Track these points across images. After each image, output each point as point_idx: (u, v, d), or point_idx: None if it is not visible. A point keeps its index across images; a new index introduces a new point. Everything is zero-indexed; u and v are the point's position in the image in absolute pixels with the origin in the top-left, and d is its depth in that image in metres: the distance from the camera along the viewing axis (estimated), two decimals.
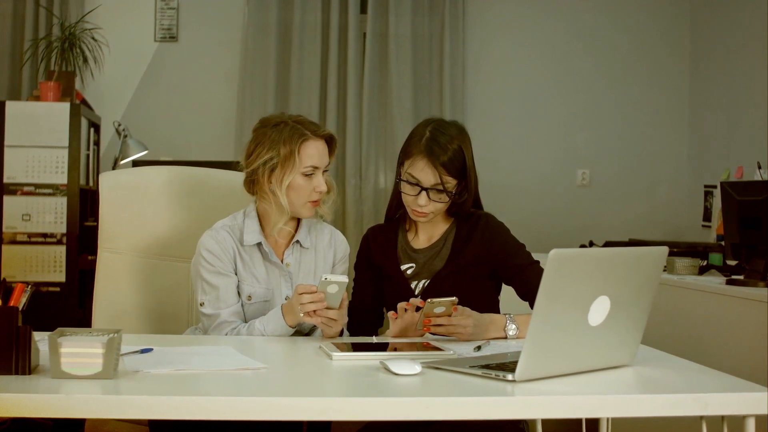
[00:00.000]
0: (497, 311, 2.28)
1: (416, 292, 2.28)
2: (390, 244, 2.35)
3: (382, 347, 1.92)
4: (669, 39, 5.23)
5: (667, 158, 5.23)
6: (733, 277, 3.13)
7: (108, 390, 1.49)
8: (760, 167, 4.01)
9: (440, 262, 2.29)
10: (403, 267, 2.32)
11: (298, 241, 2.26)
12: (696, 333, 3.16)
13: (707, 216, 4.79)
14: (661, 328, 3.32)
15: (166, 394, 1.48)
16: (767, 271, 2.98)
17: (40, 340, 1.63)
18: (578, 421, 2.37)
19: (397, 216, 2.38)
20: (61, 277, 3.90)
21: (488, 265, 2.28)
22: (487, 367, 1.67)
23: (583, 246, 4.42)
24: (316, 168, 2.19)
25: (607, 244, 4.17)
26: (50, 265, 3.89)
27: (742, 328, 2.90)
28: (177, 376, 1.61)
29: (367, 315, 2.31)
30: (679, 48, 5.22)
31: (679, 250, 3.84)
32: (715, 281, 3.18)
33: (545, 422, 2.33)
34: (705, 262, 3.49)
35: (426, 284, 2.28)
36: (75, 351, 1.53)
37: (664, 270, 3.50)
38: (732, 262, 3.36)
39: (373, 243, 2.36)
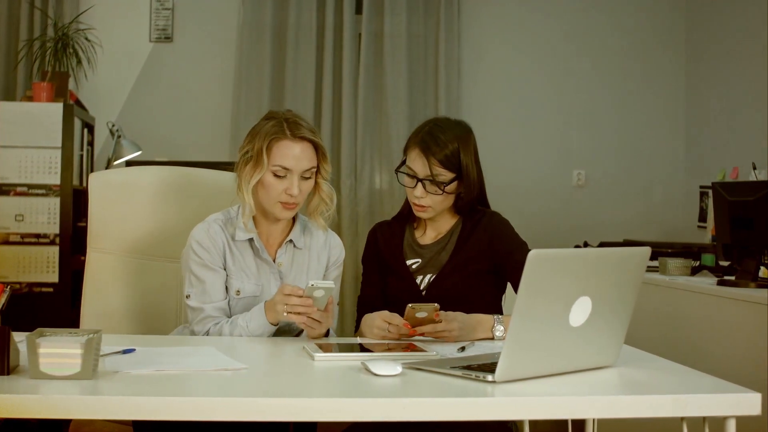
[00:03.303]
0: (499, 307, 2.32)
1: (421, 287, 2.30)
2: (396, 239, 2.39)
3: (365, 348, 1.92)
4: (665, 39, 5.22)
5: (663, 159, 5.22)
6: (725, 277, 3.12)
7: (86, 390, 1.48)
8: (755, 168, 4.00)
9: (445, 257, 2.33)
10: (409, 262, 2.35)
11: (291, 241, 2.25)
12: (687, 334, 3.15)
13: (703, 216, 4.78)
14: (652, 329, 3.31)
15: (144, 395, 1.48)
16: (758, 272, 2.98)
17: (21, 341, 1.62)
18: (565, 420, 2.37)
19: (406, 213, 2.43)
20: (54, 278, 3.90)
21: (489, 260, 2.31)
22: (468, 368, 1.67)
23: (577, 246, 4.42)
24: (287, 170, 2.14)
25: (602, 245, 4.17)
26: (43, 266, 3.89)
27: (733, 329, 2.90)
28: (157, 376, 1.61)
29: (375, 308, 2.31)
30: (675, 48, 5.21)
31: (673, 250, 3.84)
32: (706, 282, 3.17)
33: (533, 421, 2.32)
34: (697, 263, 3.48)
35: (432, 278, 2.31)
36: (53, 351, 1.53)
37: (657, 271, 3.50)
38: (725, 263, 3.35)
39: (381, 237, 2.41)
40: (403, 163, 2.33)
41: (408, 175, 2.29)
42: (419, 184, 2.26)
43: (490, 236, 2.32)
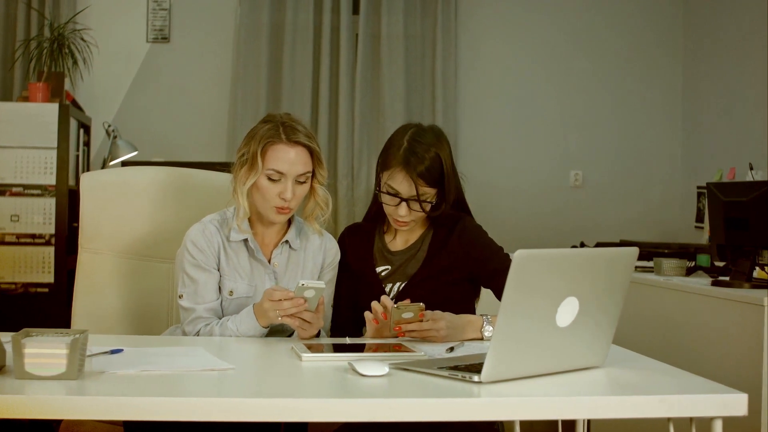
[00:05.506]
0: (473, 314, 2.27)
1: (390, 295, 2.27)
2: (366, 245, 2.35)
3: (354, 348, 1.92)
4: (663, 39, 5.22)
5: (660, 159, 5.21)
6: (720, 278, 3.11)
7: (71, 391, 1.48)
8: (752, 168, 4.00)
9: (416, 265, 2.29)
10: (379, 269, 2.32)
11: (287, 242, 2.25)
12: (681, 334, 3.15)
13: (700, 217, 4.78)
14: (646, 329, 3.31)
15: (129, 395, 1.47)
16: (753, 273, 2.97)
17: (8, 341, 1.62)
18: (555, 421, 2.36)
19: (375, 215, 2.39)
20: (49, 278, 3.89)
21: (465, 269, 2.28)
22: (455, 368, 1.66)
23: (574, 247, 4.41)
24: (281, 174, 2.14)
25: (599, 245, 4.16)
26: (39, 266, 3.89)
27: (727, 330, 2.89)
28: (143, 376, 1.60)
29: (346, 312, 2.31)
30: (673, 48, 5.21)
31: (669, 251, 3.83)
32: (701, 282, 3.16)
33: (524, 422, 2.32)
34: (693, 264, 3.48)
35: (401, 287, 2.28)
36: (39, 351, 1.53)
37: (652, 271, 3.50)
38: (720, 264, 3.35)
39: (349, 244, 2.37)
40: (379, 179, 2.26)
41: (390, 194, 2.23)
42: (403, 203, 2.21)
43: (465, 245, 2.28)
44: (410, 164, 2.18)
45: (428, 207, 2.22)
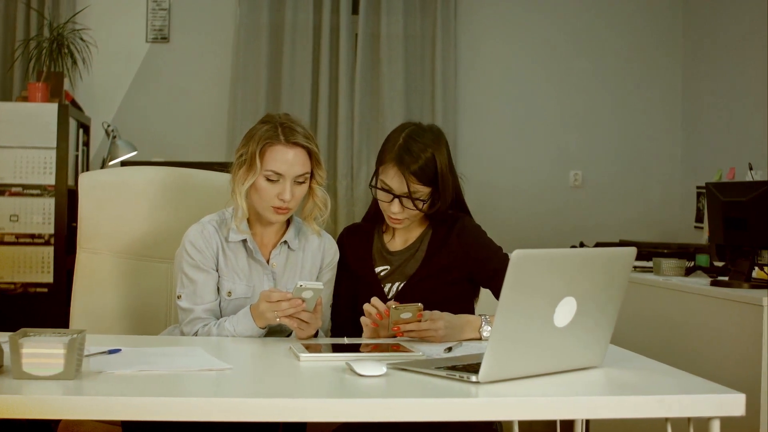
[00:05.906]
0: (472, 313, 2.28)
1: (389, 295, 2.27)
2: (365, 245, 2.35)
3: (352, 348, 1.92)
4: (662, 39, 5.22)
5: (660, 159, 5.21)
6: (719, 278, 3.11)
7: (68, 390, 1.48)
8: (751, 168, 3.99)
9: (414, 265, 2.29)
10: (378, 269, 2.32)
11: (285, 242, 2.25)
12: (680, 334, 3.15)
13: (699, 217, 4.78)
14: (645, 329, 3.31)
15: (126, 395, 1.47)
16: (752, 273, 2.97)
17: (5, 341, 1.62)
18: (554, 421, 2.36)
19: (374, 215, 2.38)
20: (49, 278, 3.89)
21: (464, 269, 2.28)
22: (452, 368, 1.66)
23: (573, 247, 4.41)
24: (280, 175, 2.14)
25: (598, 245, 4.16)
26: (38, 266, 3.89)
27: (726, 330, 2.89)
28: (140, 376, 1.60)
29: (345, 312, 2.31)
30: (672, 48, 5.21)
31: (669, 251, 3.83)
32: (700, 282, 3.16)
33: (522, 422, 2.32)
34: (692, 264, 3.47)
35: (400, 287, 2.28)
36: (36, 351, 1.53)
37: (651, 271, 3.50)
38: (720, 264, 3.35)
39: (348, 244, 2.36)
40: (376, 175, 2.27)
41: (383, 189, 2.24)
42: (396, 200, 2.21)
43: (464, 244, 2.28)
44: (403, 162, 2.19)
45: (421, 204, 2.22)
